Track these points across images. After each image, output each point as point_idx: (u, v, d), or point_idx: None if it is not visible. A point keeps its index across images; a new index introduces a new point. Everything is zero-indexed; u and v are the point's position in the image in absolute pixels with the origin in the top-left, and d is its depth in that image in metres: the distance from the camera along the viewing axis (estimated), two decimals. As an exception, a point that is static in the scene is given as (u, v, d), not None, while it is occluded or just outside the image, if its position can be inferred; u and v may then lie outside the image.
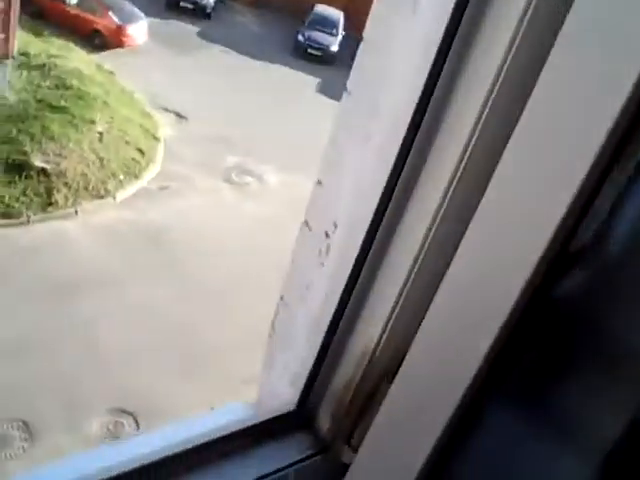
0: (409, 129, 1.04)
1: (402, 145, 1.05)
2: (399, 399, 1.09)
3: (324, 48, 22.97)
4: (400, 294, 1.12)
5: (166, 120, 16.61)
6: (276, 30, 23.87)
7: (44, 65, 16.01)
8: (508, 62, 0.95)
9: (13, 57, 14.73)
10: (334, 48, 23.19)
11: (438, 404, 1.01)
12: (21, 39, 15.56)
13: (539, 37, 0.91)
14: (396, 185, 1.09)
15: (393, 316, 1.14)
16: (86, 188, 13.06)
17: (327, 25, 23.63)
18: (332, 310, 1.20)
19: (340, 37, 23.56)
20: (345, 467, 1.21)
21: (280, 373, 1.38)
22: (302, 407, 1.27)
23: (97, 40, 19.37)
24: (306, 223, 1.38)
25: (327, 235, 1.30)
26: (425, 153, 1.06)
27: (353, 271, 1.17)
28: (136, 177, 14.05)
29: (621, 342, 0.88)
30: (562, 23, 0.84)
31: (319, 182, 1.34)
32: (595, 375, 0.91)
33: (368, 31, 1.15)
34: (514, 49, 0.94)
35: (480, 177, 0.98)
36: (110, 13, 19.76)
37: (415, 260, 1.11)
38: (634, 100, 0.78)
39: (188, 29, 22.23)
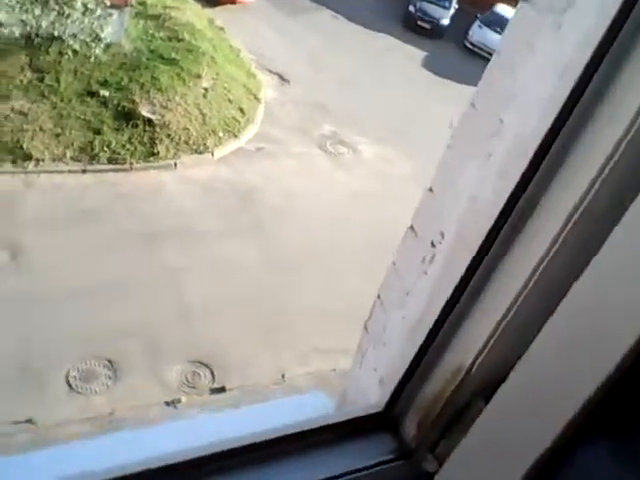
0: (536, 154, 1.01)
1: (527, 169, 1.03)
2: (494, 421, 1.08)
3: (434, 21, 22.33)
4: (504, 317, 1.11)
5: (269, 81, 16.78)
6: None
7: (159, 16, 16.39)
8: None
9: (132, 5, 15.09)
10: (445, 22, 22.52)
11: (534, 434, 1.00)
12: (139, -13, 16.01)
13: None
14: (514, 207, 1.07)
15: (494, 337, 1.13)
16: (187, 142, 13.46)
17: (440, -4, 22.96)
18: (432, 321, 1.20)
19: (452, 10, 22.85)
20: (426, 475, 1.22)
21: (369, 372, 1.41)
22: (389, 410, 1.29)
23: (211, -6, 19.69)
24: (412, 228, 1.38)
25: (433, 244, 1.29)
26: (549, 181, 1.02)
27: (458, 286, 1.16)
28: (235, 136, 14.33)
29: None
30: None
31: (430, 189, 1.33)
32: None
33: (504, 46, 1.12)
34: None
35: (604, 214, 0.95)
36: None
37: (526, 283, 1.08)
38: None
39: (301, -12, 22.18)
